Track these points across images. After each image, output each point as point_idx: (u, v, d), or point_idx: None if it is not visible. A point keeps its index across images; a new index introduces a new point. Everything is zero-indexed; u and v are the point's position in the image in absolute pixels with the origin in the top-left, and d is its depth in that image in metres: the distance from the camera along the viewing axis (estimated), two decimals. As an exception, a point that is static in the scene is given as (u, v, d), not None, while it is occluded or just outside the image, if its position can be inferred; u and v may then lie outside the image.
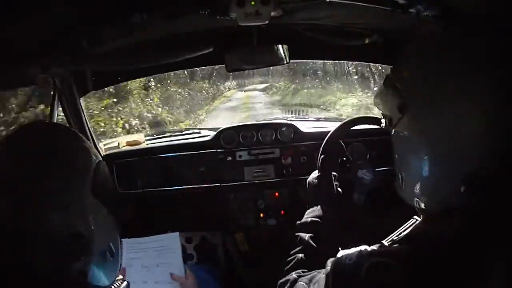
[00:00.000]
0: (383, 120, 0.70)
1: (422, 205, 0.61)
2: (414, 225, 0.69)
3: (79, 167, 0.63)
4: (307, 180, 1.25)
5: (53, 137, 0.65)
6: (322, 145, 1.37)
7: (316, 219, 1.10)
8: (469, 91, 0.55)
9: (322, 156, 1.29)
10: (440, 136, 0.57)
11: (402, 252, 0.60)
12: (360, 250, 0.62)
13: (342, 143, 1.44)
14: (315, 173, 1.28)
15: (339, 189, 1.23)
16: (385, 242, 0.66)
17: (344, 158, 1.42)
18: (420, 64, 0.61)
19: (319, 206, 1.14)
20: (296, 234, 1.08)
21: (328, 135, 1.45)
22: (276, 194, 1.76)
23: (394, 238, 0.67)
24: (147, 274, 1.18)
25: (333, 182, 1.23)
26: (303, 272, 0.86)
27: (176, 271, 1.17)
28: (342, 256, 0.62)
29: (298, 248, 1.03)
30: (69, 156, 0.63)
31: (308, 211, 1.15)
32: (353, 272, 0.59)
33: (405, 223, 0.74)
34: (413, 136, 0.60)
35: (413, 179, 0.61)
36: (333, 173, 1.26)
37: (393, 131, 0.65)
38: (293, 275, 0.86)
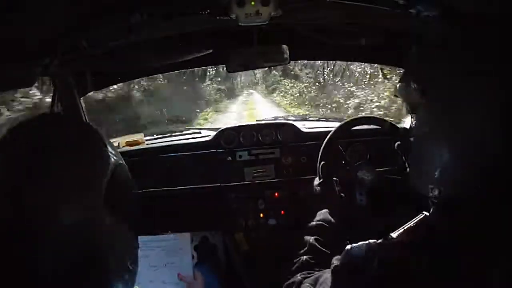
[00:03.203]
0: (405, 110, 0.71)
1: (436, 193, 0.62)
2: (422, 219, 0.69)
3: (94, 170, 0.53)
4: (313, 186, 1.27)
5: (61, 129, 0.55)
6: (322, 147, 1.37)
7: (322, 222, 1.11)
8: (484, 86, 0.55)
9: (322, 163, 1.30)
10: (458, 129, 0.57)
11: (411, 244, 0.60)
12: (369, 243, 0.61)
13: (340, 147, 1.44)
14: (317, 180, 1.29)
15: (342, 193, 1.24)
16: (393, 235, 0.67)
17: (344, 161, 1.42)
18: (437, 60, 0.62)
19: (325, 210, 1.15)
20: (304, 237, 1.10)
21: (329, 135, 1.45)
22: (276, 194, 1.76)
23: (403, 232, 0.67)
24: (154, 273, 1.16)
25: (335, 187, 1.24)
26: (308, 273, 0.86)
27: (184, 272, 1.16)
28: (351, 249, 0.62)
29: (303, 250, 1.04)
30: (82, 153, 0.53)
31: (317, 214, 1.17)
32: (363, 265, 0.58)
33: (408, 221, 0.74)
34: (433, 125, 0.61)
35: (430, 166, 0.62)
36: (335, 178, 1.27)
37: (414, 118, 0.66)
38: (298, 277, 0.86)
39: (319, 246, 1.04)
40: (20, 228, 0.48)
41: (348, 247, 0.62)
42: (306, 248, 1.05)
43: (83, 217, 0.50)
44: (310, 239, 1.06)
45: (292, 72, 14.99)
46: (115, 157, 0.57)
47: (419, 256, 0.56)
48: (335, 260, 0.64)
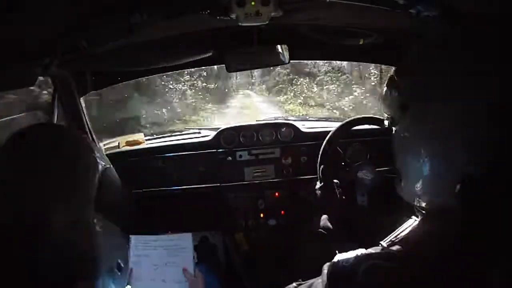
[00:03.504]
0: (386, 121, 0.70)
1: (422, 204, 0.62)
2: (412, 225, 0.69)
3: (82, 175, 0.56)
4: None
5: (55, 141, 0.58)
6: (322, 148, 1.38)
7: (321, 230, 1.12)
8: (468, 92, 0.55)
9: (321, 167, 1.30)
10: (438, 135, 0.57)
11: (399, 253, 0.60)
12: (357, 253, 0.62)
13: (339, 148, 1.44)
14: (318, 184, 1.29)
15: (343, 196, 1.24)
16: (384, 243, 0.67)
17: (343, 163, 1.43)
18: (421, 64, 0.62)
19: (325, 216, 1.16)
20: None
21: (329, 135, 1.45)
22: (276, 194, 1.76)
23: (392, 239, 0.67)
24: (154, 272, 1.17)
25: (336, 190, 1.24)
26: (303, 280, 0.86)
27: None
28: (339, 259, 0.62)
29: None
30: (70, 161, 0.56)
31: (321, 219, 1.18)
32: (350, 275, 0.59)
33: (410, 218, 0.74)
34: (413, 135, 0.61)
35: (413, 178, 0.62)
36: (335, 181, 1.27)
37: (394, 130, 0.65)
38: (293, 284, 0.87)
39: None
40: (15, 231, 0.49)
41: (336, 257, 0.63)
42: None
43: (74, 220, 0.52)
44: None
45: (307, 69, 11.08)
46: (102, 162, 0.60)
47: (403, 266, 0.56)
48: (325, 267, 0.65)
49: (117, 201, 0.63)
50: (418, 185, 0.61)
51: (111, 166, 0.62)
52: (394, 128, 0.65)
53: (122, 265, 0.61)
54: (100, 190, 0.56)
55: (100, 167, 0.59)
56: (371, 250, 0.62)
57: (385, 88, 0.67)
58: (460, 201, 0.56)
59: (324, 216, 1.17)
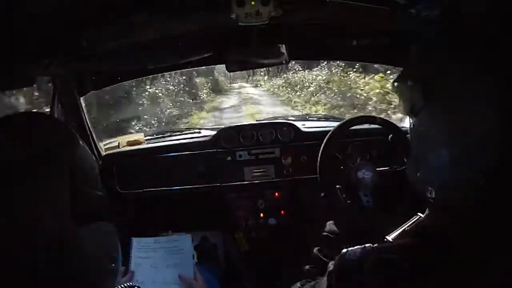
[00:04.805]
0: (399, 112, 0.70)
1: (433, 195, 0.61)
2: (418, 220, 0.69)
3: (54, 156, 0.54)
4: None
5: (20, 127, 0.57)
6: (322, 148, 1.37)
7: (327, 233, 1.13)
8: (489, 86, 0.55)
9: (321, 171, 1.30)
10: (460, 129, 0.57)
11: (406, 246, 0.60)
12: (364, 246, 0.62)
13: (337, 154, 1.45)
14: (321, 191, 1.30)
15: (348, 200, 1.25)
16: (389, 237, 0.67)
17: (342, 166, 1.43)
18: (445, 57, 0.61)
19: (331, 222, 1.16)
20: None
21: (328, 135, 1.45)
22: (276, 194, 1.76)
23: (398, 234, 0.67)
24: (155, 274, 1.17)
25: (340, 196, 1.24)
26: (307, 281, 0.87)
27: (186, 273, 1.17)
28: (346, 252, 0.62)
29: (307, 260, 1.07)
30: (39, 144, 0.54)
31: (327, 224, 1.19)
32: (357, 268, 0.59)
33: (414, 215, 0.74)
34: (433, 126, 0.60)
35: (428, 169, 0.61)
36: (338, 186, 1.27)
37: (413, 121, 0.65)
38: (297, 284, 0.87)
39: (321, 257, 1.05)
40: None
41: (344, 251, 0.63)
42: (309, 258, 1.07)
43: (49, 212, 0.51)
44: (314, 249, 1.08)
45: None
46: (75, 138, 0.59)
47: (410, 259, 0.56)
48: (331, 264, 0.65)
49: (93, 179, 0.61)
50: (432, 176, 0.60)
51: (83, 145, 0.60)
52: (412, 120, 0.65)
53: (114, 255, 0.60)
54: (74, 166, 0.55)
55: (73, 141, 0.57)
56: (377, 245, 0.62)
57: (404, 76, 0.66)
58: (478, 195, 0.56)
59: (330, 221, 1.17)
